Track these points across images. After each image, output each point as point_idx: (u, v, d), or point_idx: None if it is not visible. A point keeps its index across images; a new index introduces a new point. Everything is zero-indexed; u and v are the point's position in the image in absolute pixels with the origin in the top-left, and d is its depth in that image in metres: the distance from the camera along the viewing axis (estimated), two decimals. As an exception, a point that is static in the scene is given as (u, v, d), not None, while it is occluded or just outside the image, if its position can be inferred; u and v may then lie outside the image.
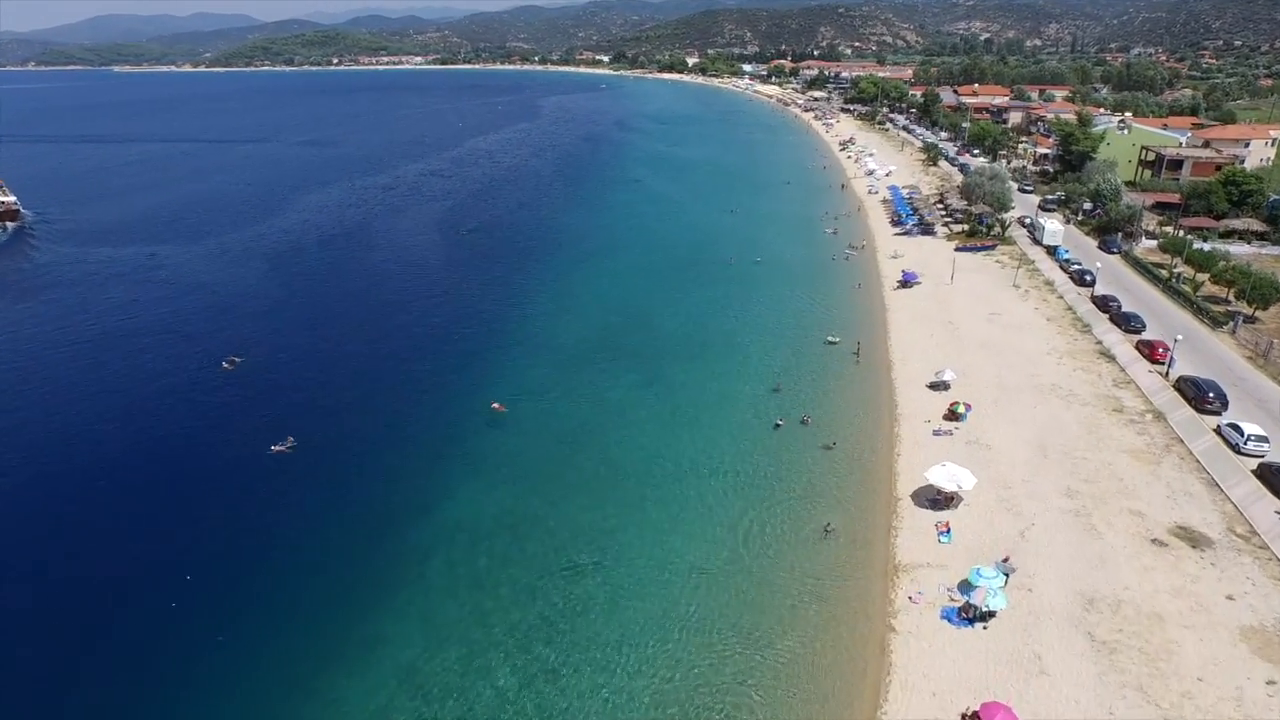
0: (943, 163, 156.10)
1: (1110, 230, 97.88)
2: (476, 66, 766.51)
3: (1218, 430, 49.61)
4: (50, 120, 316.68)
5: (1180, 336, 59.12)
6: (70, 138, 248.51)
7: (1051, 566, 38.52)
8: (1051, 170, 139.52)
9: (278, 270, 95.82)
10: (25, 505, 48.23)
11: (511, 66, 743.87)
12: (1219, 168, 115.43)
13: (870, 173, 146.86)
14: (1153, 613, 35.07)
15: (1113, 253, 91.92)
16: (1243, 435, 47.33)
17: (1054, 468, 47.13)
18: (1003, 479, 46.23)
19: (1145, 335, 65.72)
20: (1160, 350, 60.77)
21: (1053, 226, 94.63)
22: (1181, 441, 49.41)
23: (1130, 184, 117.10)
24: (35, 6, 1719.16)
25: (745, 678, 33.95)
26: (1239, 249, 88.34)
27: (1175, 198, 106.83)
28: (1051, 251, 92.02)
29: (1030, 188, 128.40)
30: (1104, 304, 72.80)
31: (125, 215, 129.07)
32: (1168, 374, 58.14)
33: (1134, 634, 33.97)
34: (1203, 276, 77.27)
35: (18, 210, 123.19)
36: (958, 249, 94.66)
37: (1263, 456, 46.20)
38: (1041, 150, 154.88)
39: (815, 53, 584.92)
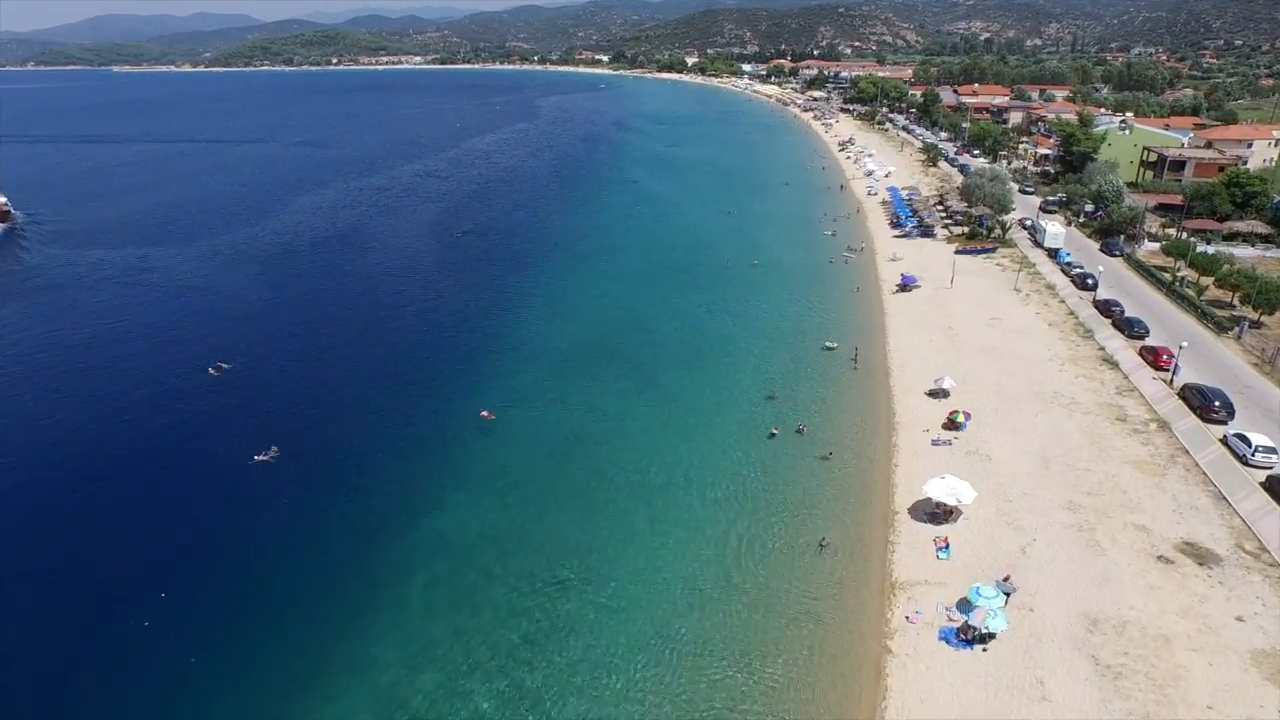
0: (942, 163, 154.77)
1: (1112, 233, 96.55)
2: (476, 66, 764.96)
3: (1224, 440, 48.33)
4: (47, 120, 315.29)
5: (1185, 344, 57.79)
6: (67, 138, 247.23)
7: (1054, 585, 37.25)
8: (1052, 171, 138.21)
9: (269, 273, 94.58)
10: (-5, 518, 47.02)
11: (511, 66, 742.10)
12: (1222, 169, 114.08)
13: (869, 173, 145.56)
14: (1159, 635, 33.79)
15: (1115, 255, 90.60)
16: (1250, 446, 46.02)
17: (1056, 480, 45.85)
18: (1003, 491, 44.94)
19: (1149, 341, 64.42)
20: (1164, 357, 59.48)
21: (1054, 229, 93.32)
22: (1187, 452, 48.13)
23: (1132, 185, 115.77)
24: (35, 6, 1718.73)
25: (737, 703, 32.71)
26: (1243, 251, 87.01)
27: (1178, 199, 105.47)
28: (1053, 254, 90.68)
29: (1031, 189, 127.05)
30: (1106, 309, 71.49)
31: (118, 216, 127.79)
32: (1172, 381, 56.85)
33: (1140, 658, 32.70)
34: (1207, 280, 76.02)
35: (8, 211, 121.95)
36: (958, 251, 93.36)
37: (1271, 469, 44.90)
38: (1042, 151, 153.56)
39: (815, 52, 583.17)
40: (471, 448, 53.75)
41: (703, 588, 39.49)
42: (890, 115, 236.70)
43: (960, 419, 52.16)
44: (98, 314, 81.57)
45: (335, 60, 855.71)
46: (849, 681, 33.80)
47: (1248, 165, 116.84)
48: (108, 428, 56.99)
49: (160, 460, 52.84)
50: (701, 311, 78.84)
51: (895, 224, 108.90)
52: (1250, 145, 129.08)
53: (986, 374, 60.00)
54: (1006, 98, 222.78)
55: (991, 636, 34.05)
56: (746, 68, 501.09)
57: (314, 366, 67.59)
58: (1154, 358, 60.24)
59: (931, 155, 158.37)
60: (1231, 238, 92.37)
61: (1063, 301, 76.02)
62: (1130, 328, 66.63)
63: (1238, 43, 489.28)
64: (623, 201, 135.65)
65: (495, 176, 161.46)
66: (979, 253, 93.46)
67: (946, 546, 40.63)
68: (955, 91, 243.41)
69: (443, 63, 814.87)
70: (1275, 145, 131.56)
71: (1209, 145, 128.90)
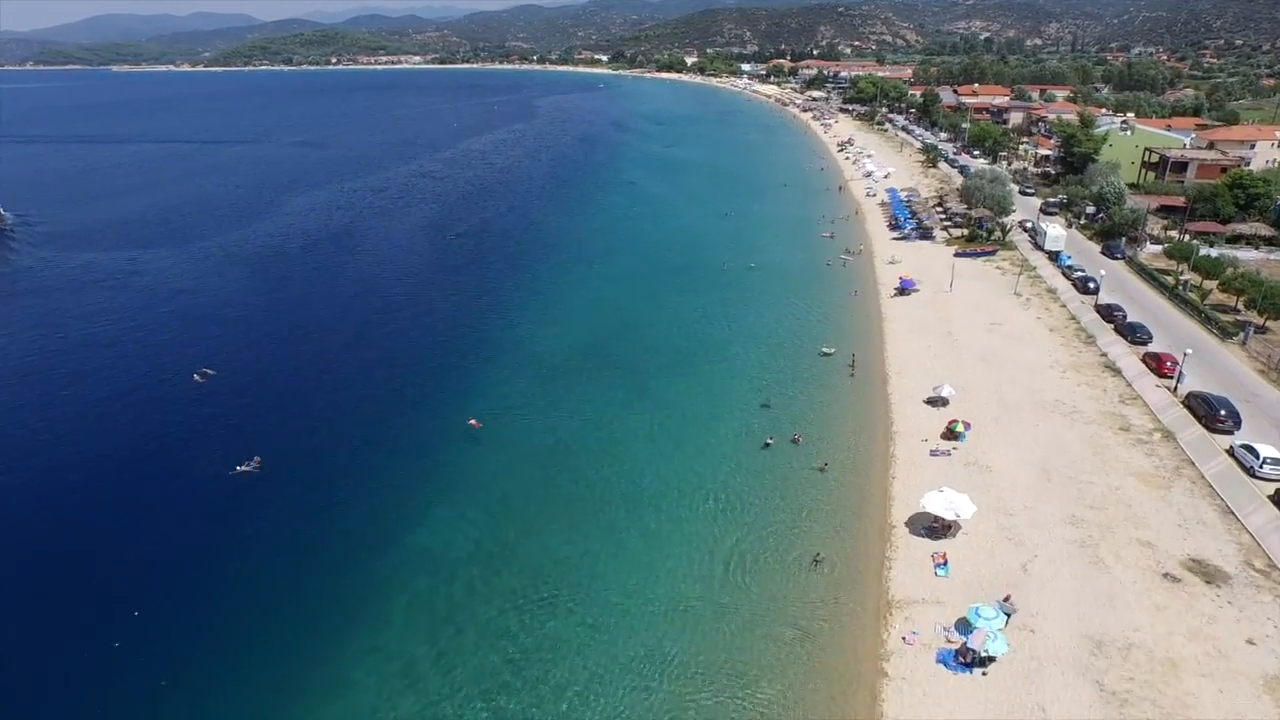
0: (942, 164, 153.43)
1: (1114, 235, 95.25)
2: (475, 66, 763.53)
3: (1230, 451, 47.03)
4: (44, 120, 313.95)
5: (1190, 351, 56.51)
6: (63, 138, 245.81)
7: (1056, 604, 35.95)
8: (1053, 172, 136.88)
9: (259, 276, 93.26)
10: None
11: (510, 66, 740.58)
12: (1224, 170, 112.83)
13: (868, 174, 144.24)
14: (1166, 659, 32.48)
15: (1116, 258, 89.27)
16: (1258, 458, 44.72)
17: (1058, 492, 44.54)
18: (1003, 505, 43.64)
19: (1152, 347, 63.12)
20: (1168, 364, 58.17)
21: (1055, 231, 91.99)
22: (1192, 463, 46.82)
23: (1133, 187, 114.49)
24: (34, 6, 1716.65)
25: (726, 730, 31.42)
26: (1246, 254, 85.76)
27: (1180, 201, 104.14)
28: (1054, 257, 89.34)
29: (1031, 190, 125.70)
30: (1108, 313, 70.17)
31: (111, 218, 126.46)
32: (1176, 389, 55.55)
33: (1146, 683, 31.39)
34: (1210, 284, 74.71)
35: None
36: (957, 254, 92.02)
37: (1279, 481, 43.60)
38: (1043, 151, 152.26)
39: (815, 52, 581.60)
40: (459, 458, 52.47)
41: (693, 606, 38.19)
42: (890, 116, 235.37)
43: (959, 428, 50.85)
44: (83, 318, 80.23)
45: (334, 60, 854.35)
46: (843, 707, 32.50)
47: (1250, 166, 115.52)
48: (84, 438, 55.64)
49: (137, 472, 51.49)
50: (697, 315, 77.54)
51: (894, 226, 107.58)
52: (1253, 146, 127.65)
53: (986, 381, 58.69)
54: (1007, 98, 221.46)
55: (991, 659, 32.75)
56: (746, 67, 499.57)
57: (301, 372, 66.28)
58: (1157, 365, 58.93)
59: (931, 156, 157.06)
60: (1235, 240, 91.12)
61: (1064, 306, 74.71)
62: (1133, 333, 65.35)
63: (1238, 42, 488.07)
64: (619, 203, 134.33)
65: (491, 178, 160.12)
66: (979, 255, 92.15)
67: (945, 563, 39.34)
68: (955, 92, 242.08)
69: (442, 62, 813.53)
70: (1278, 146, 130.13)
71: (1211, 146, 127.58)
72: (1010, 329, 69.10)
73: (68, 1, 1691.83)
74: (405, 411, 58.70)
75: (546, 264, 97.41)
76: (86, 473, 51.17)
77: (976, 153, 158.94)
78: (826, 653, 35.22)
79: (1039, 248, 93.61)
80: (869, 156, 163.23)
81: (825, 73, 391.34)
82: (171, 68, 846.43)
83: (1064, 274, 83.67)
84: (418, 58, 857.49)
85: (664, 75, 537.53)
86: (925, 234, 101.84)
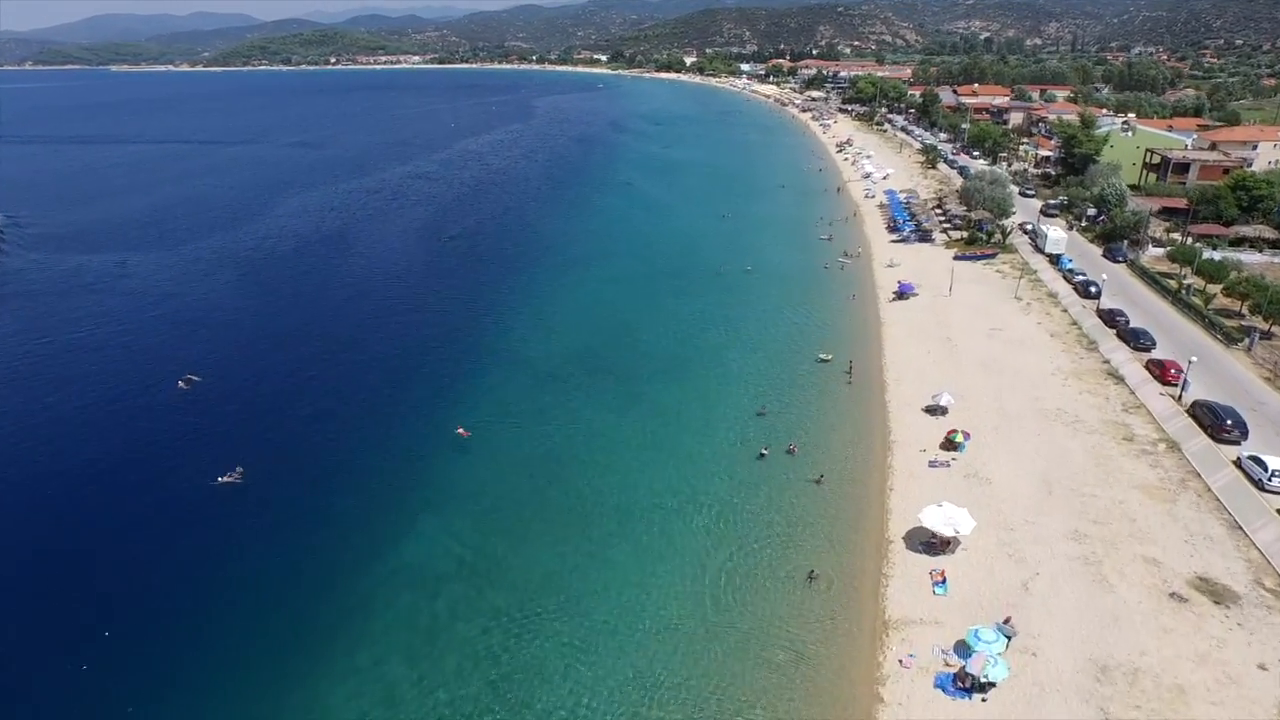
0: (941, 165, 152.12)
1: (1115, 237, 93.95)
2: (474, 66, 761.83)
3: (1238, 463, 45.72)
4: (41, 120, 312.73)
5: (1195, 358, 55.15)
6: (59, 138, 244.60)
7: (1058, 625, 34.68)
8: (1053, 173, 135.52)
9: (249, 280, 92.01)
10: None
11: (509, 66, 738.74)
12: (1227, 171, 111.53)
13: (867, 175, 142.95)
14: (1175, 685, 31.20)
15: (1118, 261, 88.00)
16: (1266, 470, 43.42)
17: (1060, 506, 43.27)
18: (1004, 519, 42.37)
19: (1155, 353, 61.85)
20: (1172, 371, 56.87)
21: (1055, 234, 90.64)
22: (1198, 476, 45.52)
23: (1134, 188, 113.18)
24: (34, 6, 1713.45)
25: (715, 760, 30.16)
26: (1250, 257, 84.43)
27: (1182, 203, 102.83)
28: (1054, 260, 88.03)
29: (1032, 192, 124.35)
30: (1111, 318, 68.86)
31: (103, 219, 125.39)
32: (1181, 397, 54.25)
33: (1154, 712, 30.14)
34: (1214, 288, 73.44)
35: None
36: (956, 257, 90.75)
37: (1288, 495, 42.37)
38: (1043, 152, 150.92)
39: (814, 52, 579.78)
40: (447, 468, 51.23)
41: (684, 625, 36.97)
42: (889, 116, 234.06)
43: (959, 438, 49.58)
44: (69, 323, 79.10)
45: (334, 60, 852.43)
46: (838, 734, 31.27)
47: (1252, 168, 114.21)
48: (64, 447, 54.42)
49: (116, 483, 50.26)
50: (692, 320, 76.29)
51: (893, 228, 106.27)
52: (1255, 147, 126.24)
53: (986, 389, 57.42)
54: (1006, 98, 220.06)
55: (991, 685, 31.48)
56: (745, 67, 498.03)
57: (287, 379, 65.00)
58: (1161, 372, 57.63)
59: (930, 157, 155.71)
60: (1238, 243, 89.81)
61: (1065, 310, 73.42)
62: (1136, 339, 64.06)
63: (1238, 42, 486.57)
64: (616, 204, 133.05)
65: (487, 179, 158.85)
66: (978, 258, 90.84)
67: (943, 581, 38.08)
68: (955, 92, 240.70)
69: (441, 62, 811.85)
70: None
71: (1213, 147, 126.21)
72: (1010, 334, 67.82)
73: (67, 1, 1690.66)
74: (393, 420, 57.44)
75: (541, 267, 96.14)
76: (63, 484, 49.97)
77: (976, 153, 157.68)
78: (820, 676, 33.97)
79: (1039, 250, 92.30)
80: (868, 157, 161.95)
81: (824, 73, 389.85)
82: (170, 68, 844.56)
83: (1065, 278, 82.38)
84: (417, 58, 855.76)
85: (663, 75, 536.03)
86: (924, 236, 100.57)
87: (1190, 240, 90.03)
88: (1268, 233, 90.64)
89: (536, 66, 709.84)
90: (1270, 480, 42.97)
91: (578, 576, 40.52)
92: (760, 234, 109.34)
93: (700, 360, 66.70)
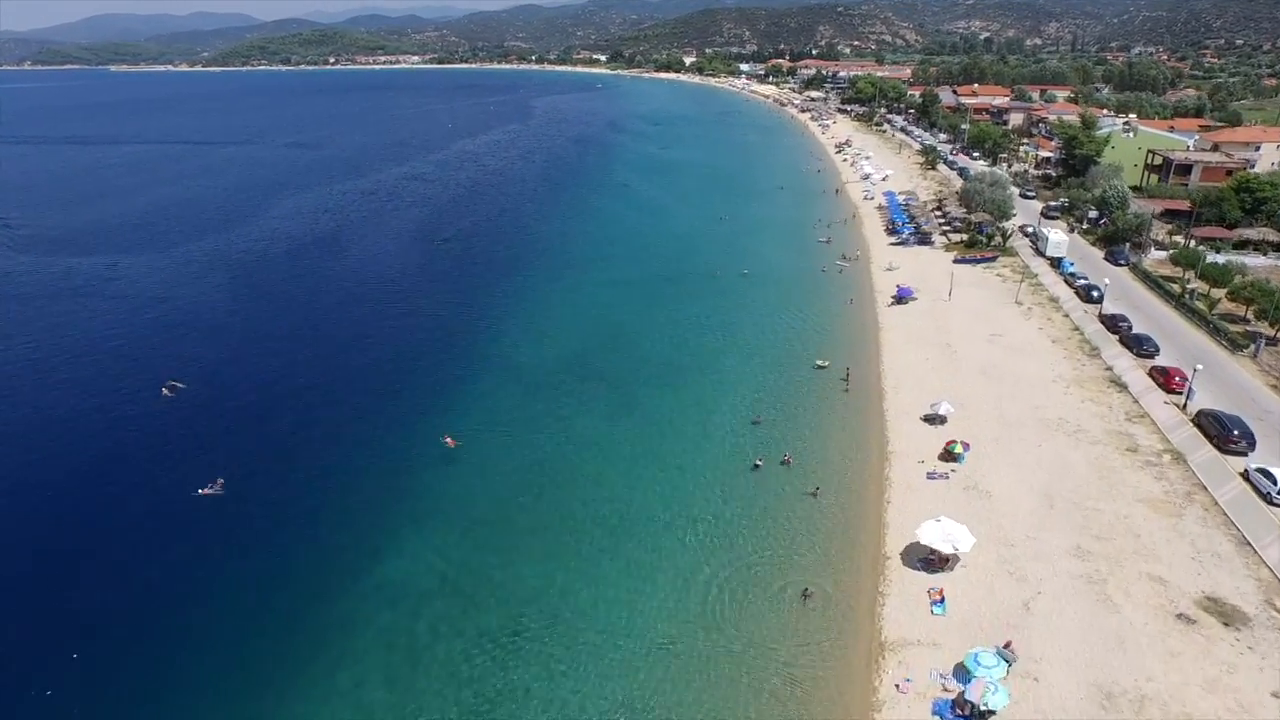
0: (941, 166, 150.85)
1: (1117, 240, 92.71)
2: (473, 66, 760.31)
3: (1245, 475, 44.43)
4: (37, 121, 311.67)
5: (1200, 366, 53.81)
6: (54, 139, 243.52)
7: (1061, 648, 33.39)
8: (1054, 175, 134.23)
9: (239, 284, 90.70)
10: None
11: (508, 66, 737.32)
12: (1229, 172, 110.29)
13: (866, 176, 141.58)
14: (1184, 714, 29.91)
15: (1120, 265, 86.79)
16: (1275, 484, 42.17)
17: (1062, 520, 41.99)
18: (1004, 535, 41.09)
19: (1159, 360, 60.60)
20: (1176, 379, 55.61)
21: (1056, 237, 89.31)
22: (1205, 489, 44.24)
23: (1136, 189, 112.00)
24: (34, 6, 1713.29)
25: (703, 792, 28.89)
26: (1254, 261, 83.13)
27: (1185, 205, 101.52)
28: (1055, 264, 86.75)
29: (1032, 193, 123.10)
30: (1113, 324, 67.59)
31: (95, 221, 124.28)
32: (1185, 406, 52.98)
33: (1161, 743, 28.89)
34: (1218, 293, 72.17)
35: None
36: (956, 260, 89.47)
37: (1298, 509, 41.08)
38: (1043, 153, 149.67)
39: (814, 52, 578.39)
40: (435, 480, 49.88)
41: (674, 647, 35.69)
42: (888, 116, 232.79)
43: (958, 449, 48.31)
44: (55, 327, 77.93)
45: (333, 60, 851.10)
46: (831, 765, 30.01)
47: (1255, 169, 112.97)
48: (43, 456, 53.26)
49: (92, 494, 49.07)
50: (687, 324, 75.05)
51: (891, 230, 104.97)
52: (1258, 148, 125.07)
53: (986, 397, 56.13)
54: (1007, 98, 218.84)
55: (991, 714, 30.20)
56: (744, 67, 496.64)
57: (274, 386, 63.70)
58: (1165, 379, 56.35)
59: (930, 158, 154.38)
60: (1241, 246, 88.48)
61: (1066, 315, 72.12)
62: (1139, 345, 62.78)
63: (1239, 42, 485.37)
64: (612, 206, 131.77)
65: (483, 180, 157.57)
66: (978, 262, 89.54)
67: (942, 600, 36.80)
68: (954, 92, 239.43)
69: (440, 62, 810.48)
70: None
71: (1215, 148, 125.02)
72: (1011, 340, 66.52)
73: (67, 1, 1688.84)
74: (381, 428, 56.16)
75: (535, 270, 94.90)
76: (38, 496, 48.80)
77: (976, 154, 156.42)
78: (814, 701, 32.71)
79: (1040, 254, 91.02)
80: (867, 158, 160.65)
81: (824, 73, 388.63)
82: (170, 68, 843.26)
83: (1066, 281, 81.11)
84: (416, 58, 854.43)
85: (662, 75, 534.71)
86: (924, 239, 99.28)
87: (1193, 243, 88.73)
88: (1272, 235, 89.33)
89: (536, 67, 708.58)
90: (1279, 494, 41.68)
91: (565, 595, 39.27)
92: (758, 236, 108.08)
93: (695, 366, 65.45)
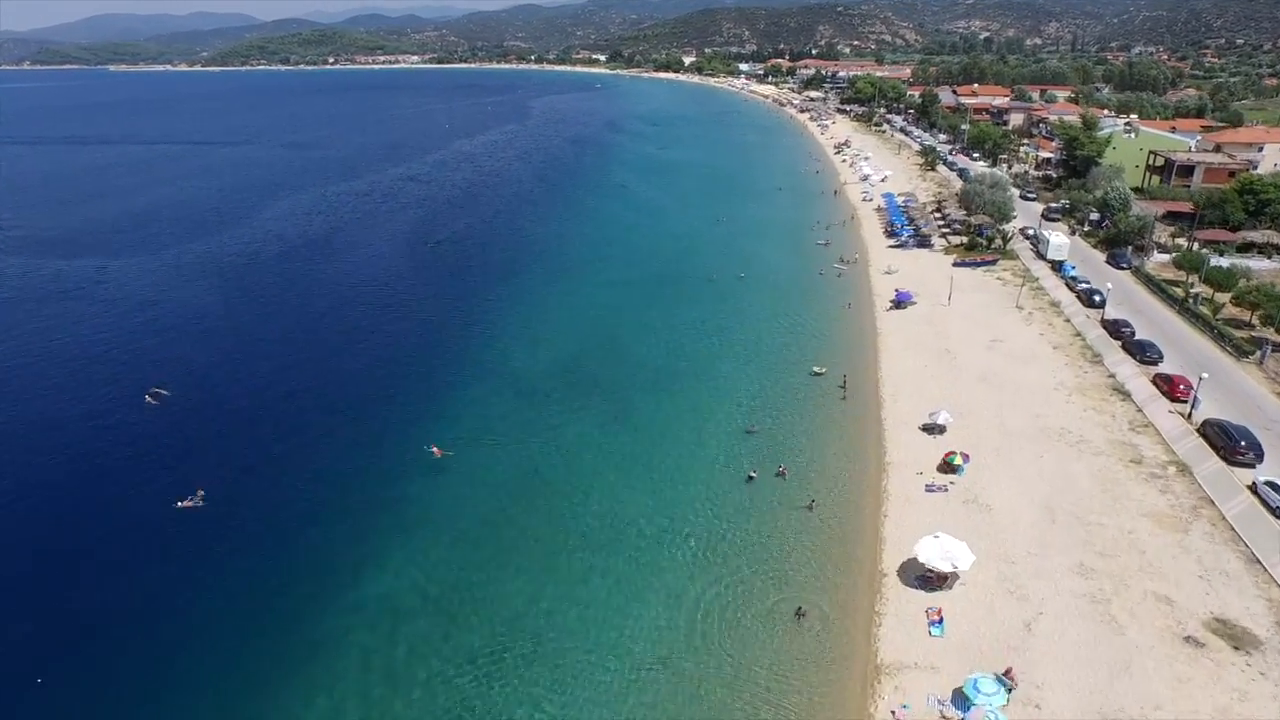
0: (941, 167, 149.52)
1: (1119, 243, 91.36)
2: (472, 66, 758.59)
3: (1253, 488, 43.15)
4: (33, 121, 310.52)
5: (1205, 374, 52.47)
6: (49, 139, 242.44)
7: (1064, 674, 32.12)
8: (1054, 176, 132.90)
9: (229, 288, 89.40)
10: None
11: (508, 66, 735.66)
12: (1232, 174, 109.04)
13: (865, 178, 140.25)
14: (1191, 746, 28.69)
15: (1122, 268, 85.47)
16: (1285, 498, 40.90)
17: (1064, 536, 40.71)
18: (1004, 551, 39.82)
19: (1163, 367, 59.30)
20: (1181, 387, 54.31)
21: (1058, 240, 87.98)
22: (1211, 502, 42.94)
23: (1138, 191, 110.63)
24: (33, 6, 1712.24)
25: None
26: (1259, 264, 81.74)
27: (1187, 206, 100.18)
28: (1057, 267, 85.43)
29: (1033, 195, 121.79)
30: (1116, 329, 66.26)
31: (87, 223, 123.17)
32: (1191, 415, 51.68)
33: (1169, 776, 27.62)
34: (1223, 297, 70.85)
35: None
36: (956, 264, 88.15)
37: (1308, 524, 39.79)
38: (1044, 154, 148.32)
39: (813, 51, 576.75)
40: (421, 490, 48.64)
41: (663, 672, 34.47)
42: (888, 116, 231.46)
43: (957, 460, 47.02)
44: (41, 332, 76.96)
45: (332, 60, 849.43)
46: (824, 798, 28.76)
47: (1258, 170, 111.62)
48: (15, 466, 52.00)
49: (69, 506, 47.96)
50: (684, 329, 73.79)
51: (890, 233, 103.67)
52: (1261, 149, 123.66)
53: (986, 406, 54.84)
54: (1007, 98, 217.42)
55: (992, 743, 28.95)
56: (744, 67, 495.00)
57: (260, 394, 62.38)
58: (1169, 387, 55.04)
59: (929, 159, 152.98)
60: (1245, 249, 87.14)
61: (1068, 321, 70.81)
62: (1142, 351, 61.46)
63: (1239, 41, 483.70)
64: (609, 208, 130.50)
65: (479, 181, 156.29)
66: (978, 265, 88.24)
67: (940, 620, 35.53)
68: (954, 92, 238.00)
69: (439, 62, 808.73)
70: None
71: (1218, 149, 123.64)
72: (1011, 346, 65.22)
73: (67, 1, 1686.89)
74: (368, 437, 54.93)
75: (530, 273, 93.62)
76: (11, 507, 47.46)
77: (976, 155, 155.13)
78: (807, 729, 31.44)
79: (1041, 257, 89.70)
80: (866, 159, 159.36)
81: (823, 72, 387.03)
82: (169, 68, 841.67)
83: (1068, 285, 79.80)
84: (415, 58, 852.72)
85: (661, 75, 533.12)
86: (923, 242, 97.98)
87: (1196, 246, 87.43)
88: (1276, 238, 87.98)
89: (535, 66, 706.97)
90: (1288, 509, 40.48)
91: (552, 614, 38.04)
92: (756, 238, 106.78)
93: (690, 372, 64.22)
